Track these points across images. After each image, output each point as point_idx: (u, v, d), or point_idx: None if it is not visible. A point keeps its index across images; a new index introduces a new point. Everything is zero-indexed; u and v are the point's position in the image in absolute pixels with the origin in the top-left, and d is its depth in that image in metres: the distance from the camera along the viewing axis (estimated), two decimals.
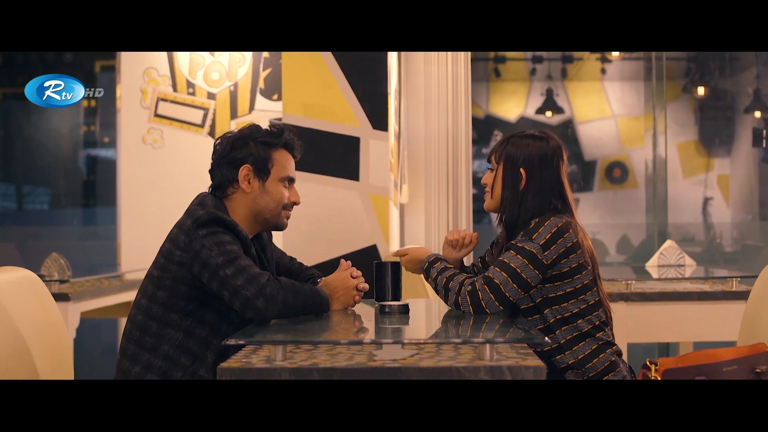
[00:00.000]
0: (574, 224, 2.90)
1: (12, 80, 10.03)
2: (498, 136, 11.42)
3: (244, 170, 2.92)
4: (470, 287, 2.83)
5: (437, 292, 2.96)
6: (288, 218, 3.03)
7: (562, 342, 2.90)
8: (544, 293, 2.90)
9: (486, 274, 2.84)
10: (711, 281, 4.73)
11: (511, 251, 2.85)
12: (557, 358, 2.90)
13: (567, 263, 2.87)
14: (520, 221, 2.95)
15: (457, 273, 2.94)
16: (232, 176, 2.93)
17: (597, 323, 2.93)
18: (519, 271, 2.80)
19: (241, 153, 2.93)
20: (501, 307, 2.81)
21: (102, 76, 9.78)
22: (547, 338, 2.87)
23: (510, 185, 2.98)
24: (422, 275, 3.07)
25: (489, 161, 3.07)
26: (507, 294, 2.80)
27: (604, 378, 2.88)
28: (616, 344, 2.96)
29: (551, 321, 2.91)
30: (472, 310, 2.81)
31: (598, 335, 2.92)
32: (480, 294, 2.80)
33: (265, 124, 3.07)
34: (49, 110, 9.45)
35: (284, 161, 2.98)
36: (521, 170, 2.96)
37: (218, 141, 2.99)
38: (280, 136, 2.98)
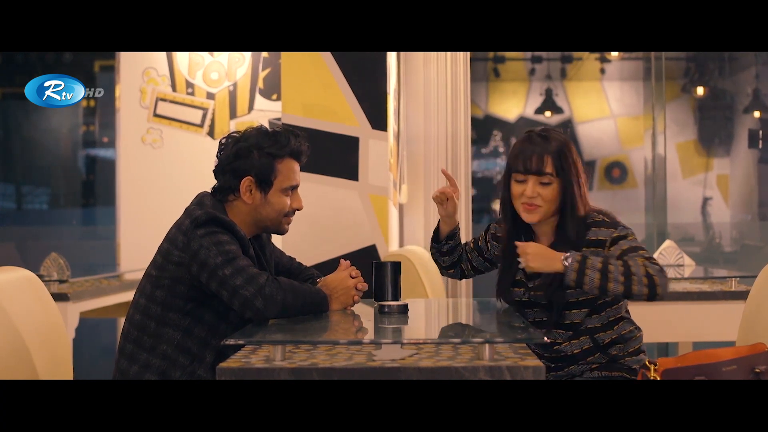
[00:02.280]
0: None
1: (11, 80, 10.03)
2: (497, 136, 11.42)
3: (246, 182, 2.89)
4: (657, 266, 2.76)
5: (609, 281, 2.74)
6: (289, 224, 3.00)
7: (604, 322, 2.97)
8: None
9: (645, 258, 2.78)
10: (710, 281, 4.74)
11: (626, 239, 2.87)
12: (600, 335, 2.96)
13: None
14: (583, 225, 2.94)
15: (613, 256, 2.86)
16: (234, 185, 2.91)
17: (626, 309, 3.05)
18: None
19: (244, 164, 2.89)
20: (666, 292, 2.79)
21: (101, 76, 9.79)
22: (546, 339, 2.88)
23: (573, 193, 2.94)
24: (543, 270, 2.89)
25: (540, 173, 2.93)
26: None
27: (641, 354, 2.99)
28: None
29: (597, 312, 2.98)
30: (659, 291, 2.73)
31: (627, 319, 3.03)
32: (651, 270, 2.73)
33: (264, 124, 3.03)
34: (49, 110, 9.45)
35: (289, 171, 2.94)
36: (578, 177, 2.96)
37: (224, 141, 2.97)
38: (286, 146, 2.92)
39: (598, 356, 2.95)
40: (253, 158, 2.89)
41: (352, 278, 2.94)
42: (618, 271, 2.72)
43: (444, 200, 3.24)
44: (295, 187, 2.97)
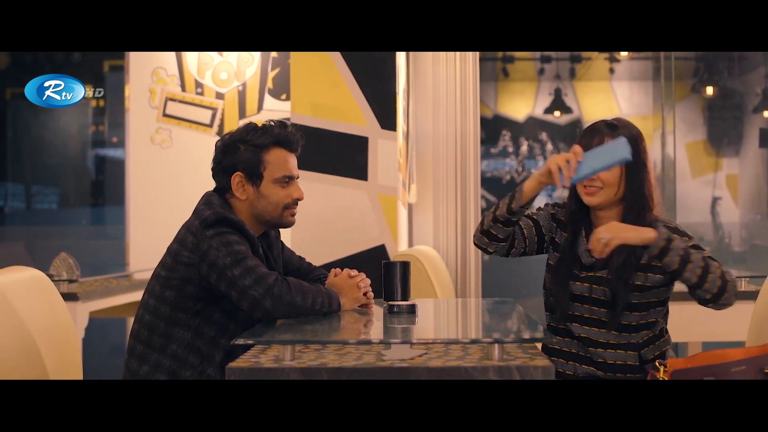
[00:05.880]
0: None
1: (20, 80, 10.04)
2: (507, 136, 11.41)
3: (236, 178, 2.89)
4: (731, 275, 2.73)
5: (686, 269, 2.71)
6: (293, 215, 2.98)
7: (650, 336, 2.93)
8: (662, 294, 2.92)
9: (714, 260, 2.75)
10: None
11: (705, 253, 2.78)
12: (645, 350, 2.91)
13: None
14: (644, 214, 2.86)
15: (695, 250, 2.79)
16: (227, 184, 2.91)
17: (665, 324, 2.99)
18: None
19: (231, 160, 2.89)
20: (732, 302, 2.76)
21: (110, 76, 9.80)
22: (556, 338, 2.87)
23: (640, 177, 2.87)
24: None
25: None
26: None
27: None
28: None
29: (650, 320, 2.93)
30: (726, 298, 2.73)
31: (667, 336, 2.99)
32: (728, 276, 2.71)
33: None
34: (58, 110, 9.47)
35: (278, 161, 2.91)
36: (644, 160, 2.89)
37: (217, 143, 2.98)
38: (270, 135, 2.90)
39: (639, 376, 2.88)
40: (239, 153, 2.89)
41: (351, 278, 2.94)
42: (698, 264, 2.69)
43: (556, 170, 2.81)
44: (290, 178, 2.93)
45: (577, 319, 2.93)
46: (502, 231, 2.95)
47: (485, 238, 2.98)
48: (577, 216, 2.98)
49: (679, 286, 2.91)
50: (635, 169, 2.86)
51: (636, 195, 2.87)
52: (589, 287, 2.92)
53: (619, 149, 2.72)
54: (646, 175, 2.89)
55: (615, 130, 2.88)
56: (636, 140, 2.87)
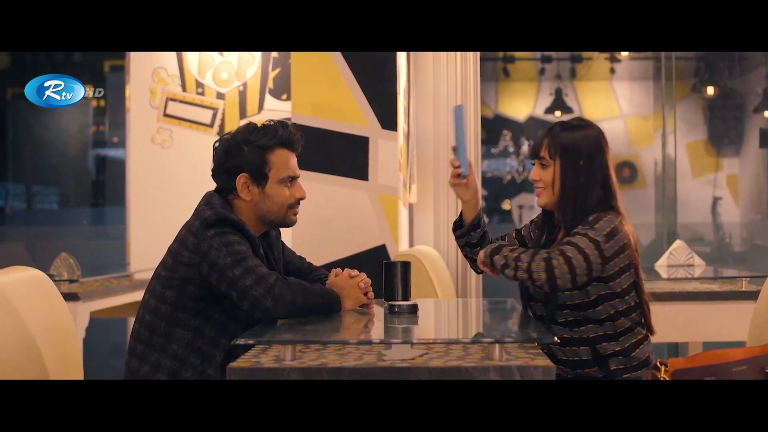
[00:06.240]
0: (624, 224, 2.87)
1: (21, 80, 10.05)
2: (507, 136, 11.41)
3: (242, 179, 2.88)
4: (546, 255, 2.74)
5: (506, 267, 2.79)
6: (296, 215, 2.99)
7: (609, 332, 2.88)
8: (599, 290, 2.87)
9: (560, 247, 2.76)
10: (720, 281, 4.72)
11: (579, 236, 2.78)
12: (603, 345, 2.88)
13: (618, 262, 2.84)
14: (580, 215, 2.87)
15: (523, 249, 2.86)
16: (231, 185, 2.90)
17: (637, 320, 2.93)
18: (589, 254, 2.74)
19: (236, 161, 2.88)
20: (570, 284, 2.73)
21: (111, 76, 9.81)
22: (555, 338, 2.87)
23: (573, 178, 2.90)
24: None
25: (537, 157, 2.96)
26: (578, 272, 2.72)
27: (644, 368, 2.89)
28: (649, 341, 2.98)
29: (602, 317, 2.88)
30: (544, 278, 2.71)
31: (636, 329, 2.91)
32: (554, 262, 2.71)
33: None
34: (58, 110, 9.48)
35: (282, 161, 2.92)
36: (581, 162, 2.90)
37: (216, 144, 2.97)
38: (274, 135, 2.91)
39: (596, 370, 2.88)
40: (243, 154, 2.88)
41: (352, 277, 2.94)
42: (523, 266, 2.74)
43: (460, 182, 3.08)
44: (293, 178, 2.95)
45: (537, 318, 2.97)
46: (472, 252, 3.12)
47: (469, 262, 3.19)
48: (545, 218, 3.06)
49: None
50: (567, 169, 2.91)
51: (566, 195, 2.92)
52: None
53: (457, 115, 2.96)
54: (581, 168, 2.91)
55: (556, 125, 2.96)
56: (566, 134, 2.93)
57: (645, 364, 2.89)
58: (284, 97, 6.16)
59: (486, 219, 3.20)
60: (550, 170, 2.93)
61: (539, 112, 11.24)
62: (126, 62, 6.40)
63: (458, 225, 3.15)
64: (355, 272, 2.96)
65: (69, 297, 4.35)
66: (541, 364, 2.18)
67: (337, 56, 4.92)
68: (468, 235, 3.12)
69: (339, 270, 3.00)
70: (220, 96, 6.24)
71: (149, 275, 2.96)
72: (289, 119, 4.84)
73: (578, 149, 2.91)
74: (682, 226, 8.86)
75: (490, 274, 2.94)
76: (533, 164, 3.00)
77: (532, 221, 3.19)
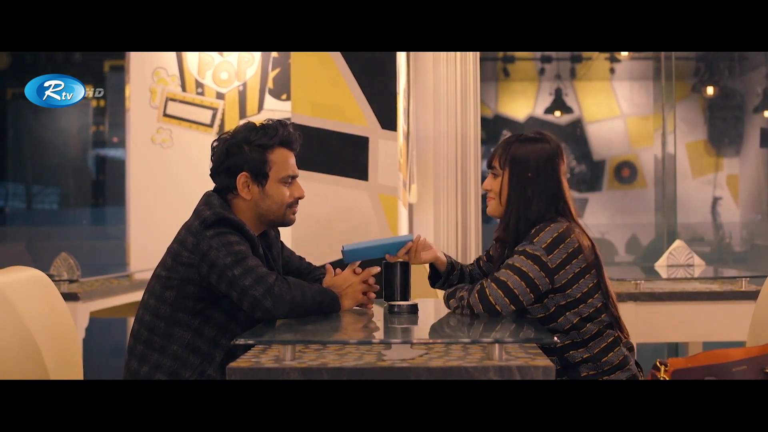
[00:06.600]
0: (574, 228, 2.89)
1: (21, 80, 10.03)
2: (507, 136, 11.41)
3: (242, 178, 2.89)
4: (479, 286, 2.82)
5: (458, 309, 2.89)
6: (295, 214, 3.00)
7: (576, 340, 2.90)
8: (556, 301, 2.89)
9: (495, 273, 2.84)
10: (720, 281, 4.72)
11: (516, 255, 2.84)
12: (572, 353, 2.89)
13: (571, 269, 2.85)
14: (523, 226, 2.92)
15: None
16: (231, 184, 2.91)
17: (607, 322, 2.92)
18: (527, 271, 2.79)
19: (236, 160, 2.89)
20: (512, 306, 2.78)
21: (111, 76, 9.79)
22: (555, 338, 2.87)
23: (518, 189, 2.95)
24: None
25: (490, 167, 3.04)
26: (517, 293, 2.78)
27: (618, 372, 2.89)
28: (626, 338, 2.97)
29: (566, 328, 2.90)
30: (482, 308, 2.78)
31: (606, 333, 2.91)
32: (488, 291, 2.79)
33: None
34: (58, 110, 9.47)
35: (282, 160, 2.94)
36: (528, 174, 2.95)
37: (214, 143, 2.97)
38: (274, 135, 2.92)
39: (567, 378, 2.89)
40: (244, 153, 2.89)
41: (355, 275, 2.94)
42: (463, 297, 2.85)
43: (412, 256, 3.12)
44: (293, 177, 2.96)
45: None
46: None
47: None
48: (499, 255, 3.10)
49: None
50: (514, 180, 2.96)
51: (510, 205, 2.98)
52: None
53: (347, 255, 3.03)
54: (529, 179, 2.95)
55: (525, 143, 3.00)
56: (519, 145, 2.99)
57: (619, 367, 2.90)
58: (284, 97, 6.15)
59: (456, 261, 3.28)
60: (499, 180, 3.00)
61: (539, 112, 11.22)
62: (126, 62, 6.40)
63: (435, 278, 3.24)
64: (359, 270, 2.96)
65: (69, 297, 4.35)
66: (541, 364, 2.18)
67: (337, 56, 4.92)
68: (447, 281, 3.22)
69: (337, 269, 3.00)
70: (220, 96, 6.23)
71: (149, 275, 2.96)
72: (289, 119, 4.84)
73: (527, 162, 2.96)
74: (682, 226, 8.86)
75: None
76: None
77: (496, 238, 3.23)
